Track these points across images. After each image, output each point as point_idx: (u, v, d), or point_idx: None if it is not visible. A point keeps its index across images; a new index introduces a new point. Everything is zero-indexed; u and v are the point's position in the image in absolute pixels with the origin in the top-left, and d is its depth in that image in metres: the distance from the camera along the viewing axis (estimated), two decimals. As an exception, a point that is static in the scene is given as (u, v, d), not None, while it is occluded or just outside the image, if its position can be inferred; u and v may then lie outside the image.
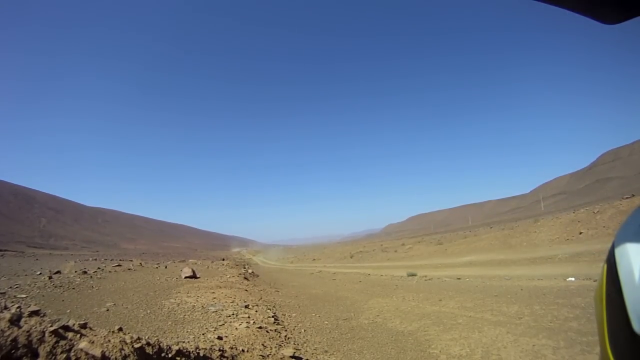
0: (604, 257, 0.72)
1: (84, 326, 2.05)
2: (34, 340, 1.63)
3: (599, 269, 0.76)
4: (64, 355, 1.67)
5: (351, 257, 34.96)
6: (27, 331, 1.64)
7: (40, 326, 1.72)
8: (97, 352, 1.85)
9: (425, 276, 10.63)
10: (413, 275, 11.11)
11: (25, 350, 1.56)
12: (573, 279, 7.38)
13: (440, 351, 4.14)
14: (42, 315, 1.90)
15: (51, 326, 1.77)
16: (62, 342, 1.73)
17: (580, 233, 14.69)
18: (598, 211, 16.92)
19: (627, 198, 20.31)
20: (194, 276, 9.82)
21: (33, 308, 1.94)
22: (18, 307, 1.94)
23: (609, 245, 0.70)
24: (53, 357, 1.63)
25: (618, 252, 0.66)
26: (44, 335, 1.68)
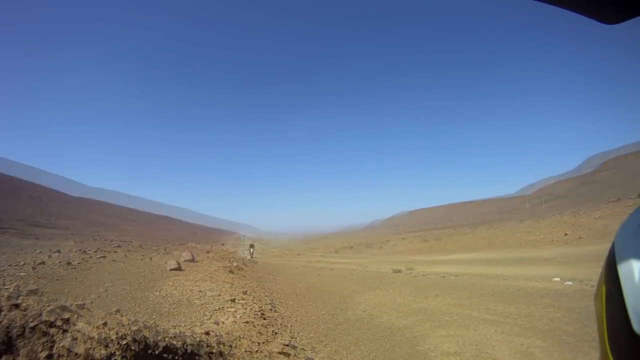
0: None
1: (81, 307, 2.05)
2: (31, 319, 1.62)
3: (597, 274, 0.75)
4: (61, 336, 1.67)
5: (336, 252, 35.63)
6: (25, 310, 1.64)
7: (37, 305, 1.72)
8: (94, 334, 1.86)
9: (423, 272, 10.69)
10: (411, 269, 11.18)
11: (21, 329, 1.56)
12: (571, 282, 7.39)
13: (433, 347, 4.17)
14: (40, 294, 1.90)
15: (49, 306, 1.77)
16: (59, 323, 1.73)
17: (580, 238, 14.71)
18: (599, 217, 16.89)
19: (629, 200, 20.27)
20: (192, 260, 9.98)
21: (31, 287, 1.94)
22: (16, 286, 1.94)
23: (614, 248, 0.69)
24: (50, 337, 1.63)
25: (618, 251, 0.66)
26: (41, 315, 1.68)
